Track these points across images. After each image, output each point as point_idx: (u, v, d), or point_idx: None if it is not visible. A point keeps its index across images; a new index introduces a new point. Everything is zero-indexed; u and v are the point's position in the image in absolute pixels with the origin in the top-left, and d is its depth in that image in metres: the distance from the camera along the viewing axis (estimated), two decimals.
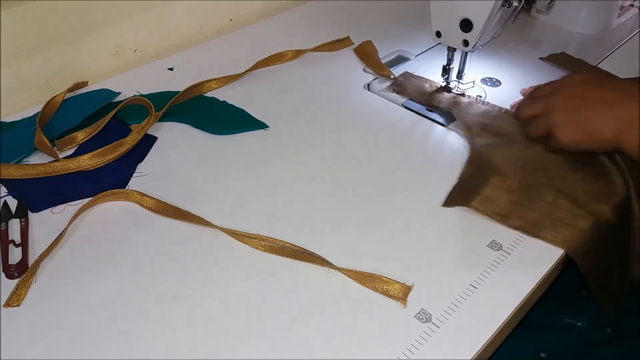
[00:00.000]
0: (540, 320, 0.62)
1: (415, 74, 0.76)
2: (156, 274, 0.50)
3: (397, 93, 0.73)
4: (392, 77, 0.75)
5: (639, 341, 0.59)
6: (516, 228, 0.54)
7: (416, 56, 0.81)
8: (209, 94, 0.72)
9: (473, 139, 0.64)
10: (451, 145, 0.64)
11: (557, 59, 0.81)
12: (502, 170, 0.59)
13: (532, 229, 0.53)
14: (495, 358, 0.50)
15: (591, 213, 0.54)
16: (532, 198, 0.56)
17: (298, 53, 0.80)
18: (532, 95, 0.62)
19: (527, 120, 0.61)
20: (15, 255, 0.51)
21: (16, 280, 0.48)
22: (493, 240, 0.53)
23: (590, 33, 0.88)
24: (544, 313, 0.63)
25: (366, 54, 0.80)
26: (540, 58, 0.82)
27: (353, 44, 0.83)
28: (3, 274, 0.49)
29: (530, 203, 0.56)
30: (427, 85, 0.74)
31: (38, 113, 0.65)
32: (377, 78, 0.76)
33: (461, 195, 0.57)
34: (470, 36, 0.65)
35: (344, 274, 0.49)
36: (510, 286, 0.49)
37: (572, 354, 0.60)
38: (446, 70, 0.72)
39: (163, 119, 0.67)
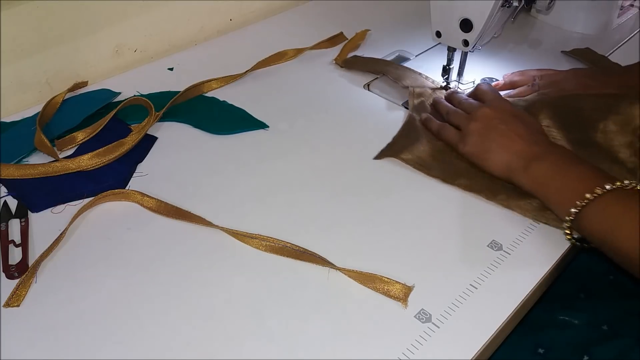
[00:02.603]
0: (537, 318, 0.63)
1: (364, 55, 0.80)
2: (157, 273, 0.49)
3: (345, 68, 0.77)
4: (340, 65, 0.78)
5: (635, 339, 0.59)
6: (435, 177, 0.60)
7: (416, 56, 0.81)
8: (209, 94, 0.72)
9: (412, 105, 0.69)
10: None
11: (580, 54, 0.81)
12: (431, 134, 0.65)
13: (449, 179, 0.59)
14: (492, 355, 0.50)
15: None
16: (455, 156, 0.62)
17: (298, 52, 0.80)
18: (457, 101, 0.66)
19: (440, 125, 0.64)
20: (15, 255, 0.51)
21: (16, 281, 0.48)
22: (493, 240, 0.53)
23: (590, 33, 0.88)
24: (542, 311, 0.63)
25: (351, 41, 0.82)
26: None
27: (347, 39, 0.83)
28: (3, 274, 0.49)
29: (452, 159, 0.61)
30: (380, 60, 0.77)
31: (38, 113, 0.65)
32: (376, 78, 0.76)
33: (392, 149, 0.63)
34: (470, 36, 0.65)
35: (345, 274, 0.49)
36: (510, 286, 0.49)
37: (569, 352, 0.60)
38: (446, 70, 0.72)
39: (163, 119, 0.67)
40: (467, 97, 0.66)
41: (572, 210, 0.50)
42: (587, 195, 0.49)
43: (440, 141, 0.64)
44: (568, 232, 0.52)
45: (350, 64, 0.78)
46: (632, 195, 0.49)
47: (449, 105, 0.66)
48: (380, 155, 0.62)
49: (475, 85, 0.74)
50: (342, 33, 0.84)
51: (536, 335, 0.62)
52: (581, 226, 0.51)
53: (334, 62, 0.79)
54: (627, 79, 0.68)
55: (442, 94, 0.72)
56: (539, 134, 0.59)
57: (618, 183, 0.49)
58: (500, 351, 0.51)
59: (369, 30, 0.85)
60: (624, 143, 0.60)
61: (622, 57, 0.82)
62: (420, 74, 0.74)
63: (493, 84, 0.74)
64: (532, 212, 0.55)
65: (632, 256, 0.47)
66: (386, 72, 0.74)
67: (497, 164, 0.57)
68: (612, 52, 0.84)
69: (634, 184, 0.49)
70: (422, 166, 0.61)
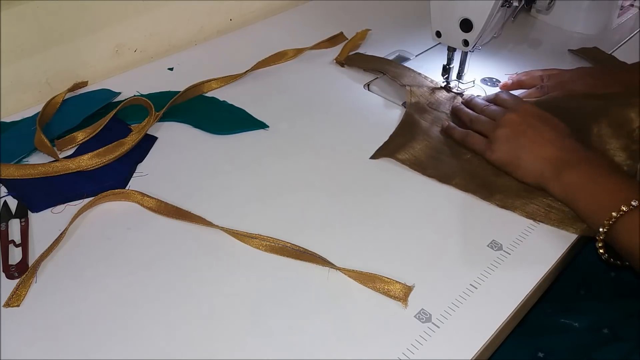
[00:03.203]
0: (538, 321, 0.62)
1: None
2: (157, 273, 0.49)
3: (347, 65, 0.77)
4: (342, 62, 0.78)
5: (636, 343, 0.59)
6: (430, 177, 0.59)
7: (416, 56, 0.81)
8: (209, 94, 0.72)
9: (409, 103, 0.69)
10: None
11: (587, 53, 0.81)
12: (428, 132, 0.65)
13: (445, 179, 0.59)
14: (493, 359, 0.50)
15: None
16: (450, 155, 0.62)
17: (298, 52, 0.80)
18: (479, 108, 0.64)
19: (464, 133, 0.63)
20: (15, 255, 0.51)
21: (16, 281, 0.48)
22: (493, 240, 0.53)
23: (590, 33, 0.88)
24: (542, 314, 0.63)
25: (351, 41, 0.82)
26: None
27: (347, 39, 0.83)
28: (3, 274, 0.49)
29: (448, 159, 0.62)
30: (381, 59, 0.77)
31: (38, 113, 0.65)
32: (377, 78, 0.76)
33: (388, 148, 0.63)
34: (470, 36, 0.65)
35: (345, 274, 0.49)
36: (510, 286, 0.49)
37: (570, 355, 0.60)
38: (446, 70, 0.72)
39: (163, 119, 0.67)
40: (488, 103, 0.64)
41: (602, 227, 0.49)
42: (614, 214, 0.49)
43: (449, 144, 0.63)
44: (601, 250, 0.51)
45: (351, 61, 0.78)
46: None
47: (472, 112, 0.64)
48: (376, 155, 0.62)
49: (474, 84, 0.74)
50: (342, 33, 0.84)
51: (536, 339, 0.62)
52: (613, 240, 0.50)
53: (335, 61, 0.79)
54: (632, 78, 0.68)
55: (441, 93, 0.72)
56: (569, 137, 0.57)
57: None
58: (500, 355, 0.51)
59: (369, 29, 0.85)
60: (619, 146, 0.59)
61: (622, 57, 0.82)
62: (419, 74, 0.74)
63: (500, 84, 0.74)
64: (530, 212, 0.55)
65: None
66: (386, 70, 0.74)
67: (528, 172, 0.56)
68: (612, 52, 0.84)
69: None
70: (418, 166, 0.61)
